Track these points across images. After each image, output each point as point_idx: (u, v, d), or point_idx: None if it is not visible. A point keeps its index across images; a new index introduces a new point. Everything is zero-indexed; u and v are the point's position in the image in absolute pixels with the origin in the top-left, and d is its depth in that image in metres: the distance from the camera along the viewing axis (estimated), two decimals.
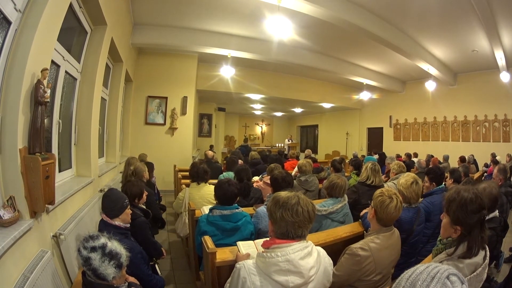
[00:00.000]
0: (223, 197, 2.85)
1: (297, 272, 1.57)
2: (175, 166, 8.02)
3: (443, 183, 3.85)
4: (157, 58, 8.96)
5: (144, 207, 3.39)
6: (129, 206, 2.55)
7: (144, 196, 3.31)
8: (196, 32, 7.82)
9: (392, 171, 4.81)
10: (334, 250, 2.39)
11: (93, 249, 1.69)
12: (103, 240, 1.75)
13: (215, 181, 3.27)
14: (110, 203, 2.47)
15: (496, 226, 2.84)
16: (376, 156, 9.19)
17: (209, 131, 14.93)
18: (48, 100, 2.39)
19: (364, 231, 2.84)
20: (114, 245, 1.76)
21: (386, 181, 4.76)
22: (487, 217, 2.27)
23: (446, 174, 4.31)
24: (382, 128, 14.73)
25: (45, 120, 2.46)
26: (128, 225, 2.54)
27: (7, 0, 2.11)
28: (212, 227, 2.73)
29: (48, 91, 2.38)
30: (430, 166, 6.89)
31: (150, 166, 5.14)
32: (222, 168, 6.91)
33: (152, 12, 6.85)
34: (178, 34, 7.76)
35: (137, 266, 2.35)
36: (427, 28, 7.36)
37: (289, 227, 1.64)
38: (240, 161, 6.07)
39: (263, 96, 12.65)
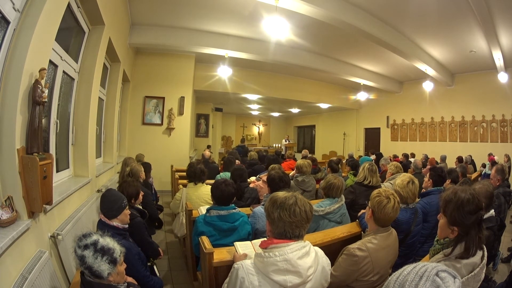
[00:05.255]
0: (220, 197, 2.85)
1: (295, 271, 1.58)
2: (172, 166, 8.02)
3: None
4: (155, 58, 8.96)
5: (141, 207, 3.39)
6: (127, 207, 2.54)
7: (140, 196, 3.31)
8: (193, 32, 7.82)
9: (389, 171, 4.82)
10: (332, 250, 2.39)
11: (86, 246, 1.70)
12: (95, 237, 1.75)
13: (212, 181, 3.27)
14: (108, 203, 2.46)
15: (493, 225, 2.85)
16: (373, 157, 9.19)
17: (206, 131, 14.93)
18: (46, 100, 2.39)
19: (362, 232, 2.85)
20: (106, 241, 1.76)
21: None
22: (484, 216, 2.28)
23: None
24: (379, 128, 14.75)
25: (43, 120, 2.46)
26: (127, 226, 2.54)
27: None
28: (209, 227, 2.73)
29: (46, 91, 2.38)
30: (428, 166, 6.92)
31: (147, 167, 5.12)
32: (219, 168, 6.91)
33: (150, 12, 6.85)
34: (175, 34, 7.75)
35: (135, 267, 2.35)
36: (425, 28, 7.37)
37: (287, 227, 1.64)
38: (237, 161, 6.07)
39: (260, 96, 12.66)
